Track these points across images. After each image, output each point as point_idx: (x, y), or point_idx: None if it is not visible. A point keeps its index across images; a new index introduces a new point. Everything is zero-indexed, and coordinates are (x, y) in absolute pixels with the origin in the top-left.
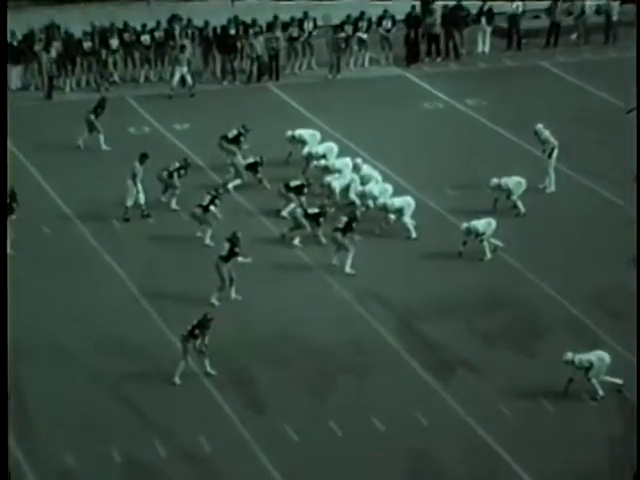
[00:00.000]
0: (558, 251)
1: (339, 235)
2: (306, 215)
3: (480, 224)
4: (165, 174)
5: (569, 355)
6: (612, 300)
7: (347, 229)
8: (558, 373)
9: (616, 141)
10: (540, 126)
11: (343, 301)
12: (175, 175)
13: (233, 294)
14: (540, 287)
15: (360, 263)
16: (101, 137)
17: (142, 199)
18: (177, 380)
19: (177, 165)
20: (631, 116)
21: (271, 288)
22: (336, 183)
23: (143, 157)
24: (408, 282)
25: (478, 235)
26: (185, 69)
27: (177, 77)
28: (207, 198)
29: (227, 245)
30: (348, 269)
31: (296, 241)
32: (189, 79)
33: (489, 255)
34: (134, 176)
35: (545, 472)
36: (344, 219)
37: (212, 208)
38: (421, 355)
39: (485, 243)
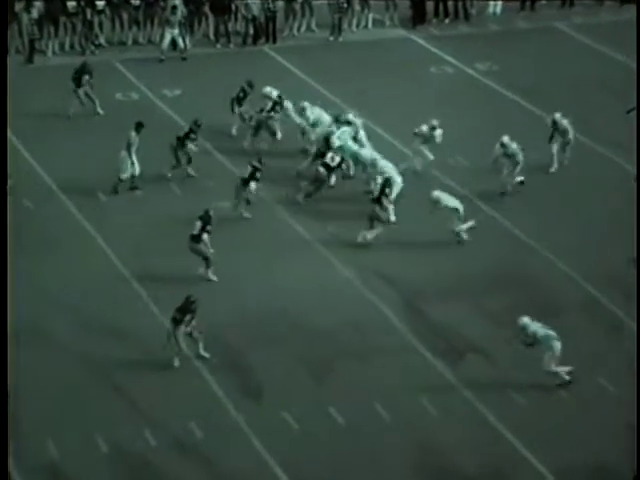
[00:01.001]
0: (573, 227)
1: (377, 208)
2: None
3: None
4: (177, 143)
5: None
6: (630, 278)
7: (381, 196)
8: (572, 357)
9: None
10: (558, 115)
11: (345, 280)
12: (188, 143)
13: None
14: (554, 265)
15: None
16: (96, 102)
17: (137, 171)
18: (177, 363)
19: (187, 129)
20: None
21: (269, 266)
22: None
23: (139, 126)
24: (414, 260)
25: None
26: (176, 31)
27: (167, 40)
28: (248, 170)
29: (199, 223)
30: (366, 237)
31: (299, 197)
32: (180, 42)
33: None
34: (129, 146)
35: (557, 461)
36: (377, 187)
37: (252, 184)
38: (428, 338)
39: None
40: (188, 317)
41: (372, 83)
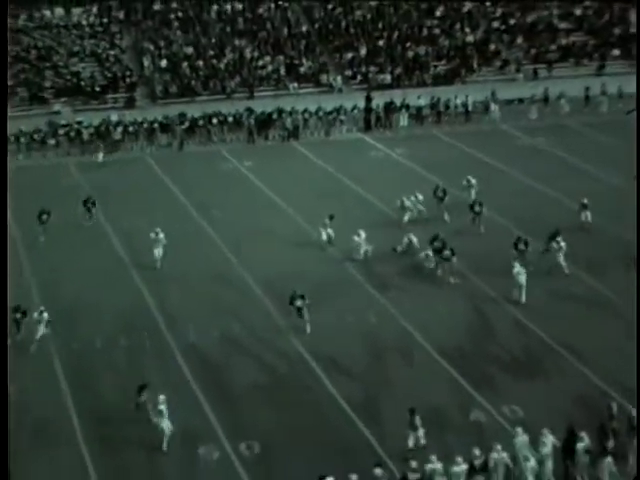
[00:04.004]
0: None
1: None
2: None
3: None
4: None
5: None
6: (497, 261)
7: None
8: (455, 313)
9: (485, 183)
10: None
11: (331, 256)
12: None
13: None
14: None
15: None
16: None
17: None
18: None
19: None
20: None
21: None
22: None
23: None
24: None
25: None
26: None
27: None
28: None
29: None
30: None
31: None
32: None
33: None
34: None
35: (441, 345)
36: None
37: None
38: (373, 282)
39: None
40: None
41: (345, 160)
